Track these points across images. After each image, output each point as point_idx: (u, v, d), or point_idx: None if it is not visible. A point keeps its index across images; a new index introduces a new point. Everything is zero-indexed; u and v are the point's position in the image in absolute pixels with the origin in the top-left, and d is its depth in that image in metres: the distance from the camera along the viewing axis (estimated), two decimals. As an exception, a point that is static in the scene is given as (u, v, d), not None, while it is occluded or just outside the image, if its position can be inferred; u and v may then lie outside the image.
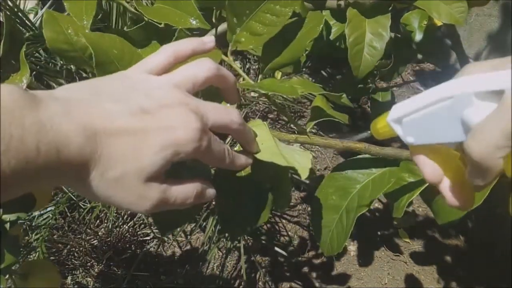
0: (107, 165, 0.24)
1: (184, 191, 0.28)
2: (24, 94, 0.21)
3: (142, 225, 1.21)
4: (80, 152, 0.22)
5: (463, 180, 0.25)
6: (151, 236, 1.20)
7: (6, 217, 0.47)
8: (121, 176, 0.24)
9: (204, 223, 1.17)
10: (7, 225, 0.48)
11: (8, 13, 1.02)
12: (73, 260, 1.13)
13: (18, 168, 0.20)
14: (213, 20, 0.43)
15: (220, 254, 1.19)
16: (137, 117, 0.25)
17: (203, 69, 0.29)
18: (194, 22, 0.41)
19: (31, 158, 0.20)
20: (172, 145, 0.25)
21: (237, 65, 0.42)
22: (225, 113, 0.28)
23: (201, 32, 0.46)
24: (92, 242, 1.14)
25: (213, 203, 0.97)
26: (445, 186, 0.26)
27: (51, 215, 1.14)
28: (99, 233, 1.15)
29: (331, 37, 0.78)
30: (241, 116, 0.30)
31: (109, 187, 0.24)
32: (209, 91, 0.32)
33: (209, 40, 0.31)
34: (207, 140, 0.27)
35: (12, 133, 0.20)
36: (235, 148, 0.33)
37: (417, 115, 0.25)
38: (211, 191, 0.31)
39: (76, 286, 1.11)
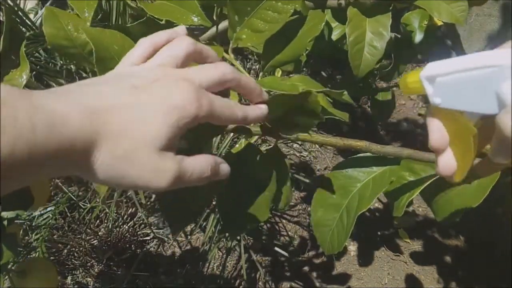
0: (113, 142, 0.23)
1: (200, 164, 0.27)
2: (18, 89, 0.21)
3: (142, 225, 1.21)
4: (80, 131, 0.22)
5: (464, 157, 0.25)
6: (151, 236, 1.20)
7: (5, 214, 0.47)
8: (131, 151, 0.24)
9: (204, 223, 1.17)
10: (5, 222, 0.48)
11: (8, 12, 1.02)
12: (73, 260, 1.13)
13: (16, 152, 0.20)
14: (214, 18, 0.43)
15: (220, 254, 1.19)
16: (132, 93, 0.25)
17: (182, 46, 0.29)
18: (195, 19, 0.41)
19: (29, 140, 0.20)
20: (174, 110, 0.25)
21: (238, 64, 0.42)
22: (213, 68, 0.29)
23: (203, 29, 0.46)
24: (92, 242, 1.14)
25: (213, 202, 0.97)
26: (445, 156, 0.26)
27: (51, 215, 1.14)
28: (99, 233, 1.15)
29: (333, 38, 0.78)
30: (231, 66, 0.29)
31: (120, 166, 0.24)
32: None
33: (180, 29, 0.32)
34: (207, 98, 0.26)
35: (5, 116, 0.19)
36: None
37: (452, 77, 0.24)
38: (225, 166, 0.30)
39: (76, 286, 1.11)
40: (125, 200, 1.20)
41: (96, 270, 1.13)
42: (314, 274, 1.18)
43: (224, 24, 0.43)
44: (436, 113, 0.26)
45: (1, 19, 0.46)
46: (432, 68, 0.25)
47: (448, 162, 0.26)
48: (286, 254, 1.18)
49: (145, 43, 0.30)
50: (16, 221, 0.51)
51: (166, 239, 1.20)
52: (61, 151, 0.21)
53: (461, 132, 0.25)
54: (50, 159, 0.21)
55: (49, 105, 0.21)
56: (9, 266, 0.53)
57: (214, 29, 0.44)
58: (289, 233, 1.25)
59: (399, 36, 0.85)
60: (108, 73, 0.28)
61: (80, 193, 1.20)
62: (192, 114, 0.25)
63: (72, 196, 1.16)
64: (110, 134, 0.23)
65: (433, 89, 0.25)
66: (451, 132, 0.26)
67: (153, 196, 1.21)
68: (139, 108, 0.24)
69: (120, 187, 0.27)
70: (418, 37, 0.83)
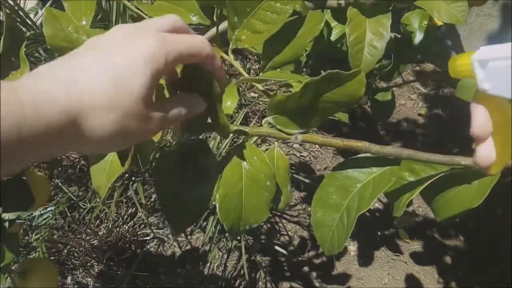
0: (103, 104, 0.25)
1: (176, 104, 0.30)
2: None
3: (142, 225, 1.21)
4: (64, 106, 0.23)
5: (504, 149, 0.24)
6: (151, 236, 1.20)
7: (5, 215, 0.47)
8: (124, 108, 0.25)
9: (204, 223, 1.17)
10: (6, 224, 0.48)
11: (8, 11, 1.02)
12: (73, 260, 1.13)
13: (6, 129, 0.21)
14: (214, 19, 0.43)
15: (220, 254, 1.19)
16: (104, 54, 0.26)
17: (167, 20, 0.30)
18: (194, 19, 0.41)
19: (17, 114, 0.21)
20: (146, 57, 0.26)
21: (238, 64, 0.42)
22: (189, 36, 0.30)
23: (203, 29, 0.46)
24: (92, 242, 1.14)
25: (213, 203, 0.97)
26: (485, 145, 0.26)
27: (51, 215, 1.14)
28: (99, 233, 1.15)
29: (332, 38, 0.78)
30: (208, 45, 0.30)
31: (116, 123, 0.25)
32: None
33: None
34: (173, 36, 0.28)
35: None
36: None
37: (506, 62, 0.23)
38: (201, 101, 0.32)
39: (76, 286, 1.11)
40: (125, 200, 1.20)
41: (96, 270, 1.13)
42: (314, 274, 1.18)
43: (224, 25, 0.43)
44: (482, 100, 0.25)
45: (1, 19, 0.46)
46: (485, 52, 0.24)
47: (487, 153, 0.25)
48: (286, 254, 1.18)
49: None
50: (16, 221, 0.51)
51: (166, 239, 1.20)
52: (56, 124, 0.23)
53: (505, 122, 0.24)
54: (43, 134, 0.23)
55: (32, 84, 0.23)
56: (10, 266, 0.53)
57: (214, 30, 0.44)
58: (289, 233, 1.25)
59: (399, 36, 0.85)
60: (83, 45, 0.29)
61: (80, 193, 1.20)
62: (162, 54, 0.27)
63: (72, 196, 1.16)
64: (97, 96, 0.25)
65: (484, 73, 0.24)
66: (495, 121, 0.25)
67: (153, 196, 1.21)
68: (115, 67, 0.25)
69: (119, 146, 0.28)
70: (418, 37, 0.83)
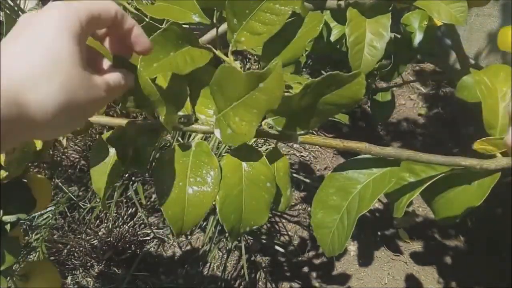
0: (39, 73, 0.25)
1: (113, 74, 0.31)
2: None
3: (142, 225, 1.21)
4: (5, 84, 0.24)
5: None
6: (151, 236, 1.20)
7: (7, 218, 0.47)
8: (62, 75, 0.26)
9: (204, 223, 1.17)
10: (8, 227, 0.48)
11: (8, 12, 1.02)
12: (73, 260, 1.13)
13: None
14: (214, 21, 0.43)
15: (220, 254, 1.19)
16: (24, 35, 0.27)
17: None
18: (195, 18, 0.41)
19: None
20: (61, 22, 0.27)
21: (237, 65, 0.42)
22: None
23: (203, 29, 0.46)
24: (92, 242, 1.14)
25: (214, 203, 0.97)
26: None
27: (51, 215, 1.14)
28: (99, 233, 1.15)
29: (332, 38, 0.78)
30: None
31: (60, 92, 0.26)
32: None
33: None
34: (85, 8, 0.28)
35: None
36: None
37: None
38: (131, 74, 0.34)
39: (76, 286, 1.11)
40: (125, 200, 1.20)
41: (96, 270, 1.13)
42: (314, 274, 1.18)
43: (223, 28, 0.43)
44: None
45: (1, 19, 0.46)
46: None
47: None
48: (286, 254, 1.18)
49: None
50: (18, 223, 0.51)
51: (166, 239, 1.20)
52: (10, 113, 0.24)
53: None
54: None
55: None
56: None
57: (213, 32, 0.44)
58: (289, 233, 1.25)
59: (399, 36, 0.85)
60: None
61: (80, 193, 1.20)
62: (76, 13, 0.27)
63: (72, 196, 1.16)
64: (28, 72, 0.25)
65: None
66: None
67: (153, 196, 1.21)
68: (37, 41, 0.26)
69: (67, 121, 0.28)
70: (418, 37, 0.83)
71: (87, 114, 0.30)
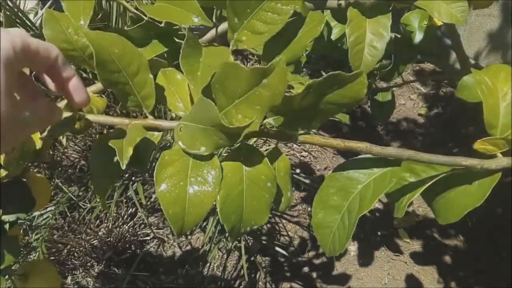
0: None
1: (42, 104, 0.31)
2: None
3: (142, 225, 1.21)
4: None
5: None
6: (151, 236, 1.20)
7: (6, 217, 0.47)
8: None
9: (205, 223, 1.17)
10: (7, 226, 0.48)
11: (8, 13, 1.02)
12: (73, 260, 1.13)
13: None
14: (214, 20, 0.43)
15: (220, 254, 1.19)
16: None
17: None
18: (196, 20, 0.41)
19: None
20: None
21: (238, 64, 0.42)
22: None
23: (203, 29, 0.46)
24: (92, 242, 1.14)
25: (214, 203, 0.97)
26: None
27: (51, 215, 1.14)
28: (99, 233, 1.15)
29: (332, 37, 0.78)
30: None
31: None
32: None
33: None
34: (19, 36, 0.28)
35: None
36: None
37: None
38: (58, 106, 0.34)
39: (76, 286, 1.11)
40: (125, 200, 1.20)
41: (96, 270, 1.13)
42: (314, 274, 1.18)
43: (223, 26, 0.43)
44: None
45: (1, 19, 0.46)
46: None
47: None
48: (286, 254, 1.18)
49: None
50: (17, 223, 0.51)
51: (166, 239, 1.20)
52: None
53: None
54: None
55: None
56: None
57: (213, 31, 0.43)
58: (289, 233, 1.25)
59: (399, 36, 0.85)
60: None
61: (80, 193, 1.20)
62: (12, 49, 0.27)
63: (72, 196, 1.16)
64: None
65: None
66: None
67: (153, 196, 1.21)
68: None
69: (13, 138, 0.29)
70: (418, 37, 0.83)
71: (5, 143, 0.29)
